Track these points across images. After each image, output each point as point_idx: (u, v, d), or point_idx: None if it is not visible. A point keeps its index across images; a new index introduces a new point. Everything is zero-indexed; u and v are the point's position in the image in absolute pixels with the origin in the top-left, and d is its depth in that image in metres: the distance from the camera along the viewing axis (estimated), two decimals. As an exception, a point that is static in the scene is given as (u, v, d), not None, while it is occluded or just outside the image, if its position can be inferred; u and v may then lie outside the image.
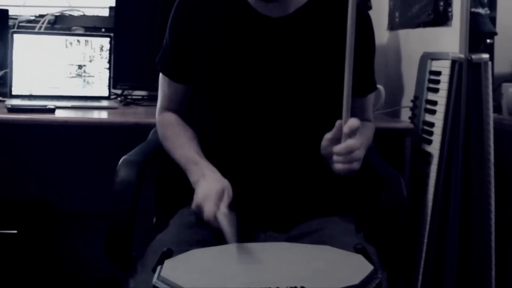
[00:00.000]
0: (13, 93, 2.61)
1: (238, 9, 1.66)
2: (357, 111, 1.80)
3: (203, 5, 1.68)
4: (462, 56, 2.26)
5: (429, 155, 2.33)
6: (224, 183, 1.56)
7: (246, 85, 1.65)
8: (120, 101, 2.76)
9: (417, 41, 2.60)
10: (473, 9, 2.54)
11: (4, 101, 2.51)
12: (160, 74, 1.79)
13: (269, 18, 1.64)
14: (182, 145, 1.70)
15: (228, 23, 1.66)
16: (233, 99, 1.66)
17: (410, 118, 2.52)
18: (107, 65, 2.72)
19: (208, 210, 1.50)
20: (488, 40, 2.72)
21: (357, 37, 1.70)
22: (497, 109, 2.54)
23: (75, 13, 2.95)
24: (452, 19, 2.34)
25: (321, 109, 1.69)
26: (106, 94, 2.72)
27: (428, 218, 2.30)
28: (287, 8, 1.65)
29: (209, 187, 1.54)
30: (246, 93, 1.65)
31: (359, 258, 1.28)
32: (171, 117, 1.78)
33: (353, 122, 1.46)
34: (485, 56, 2.29)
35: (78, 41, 2.69)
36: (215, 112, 1.69)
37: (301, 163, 1.68)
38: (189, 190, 1.70)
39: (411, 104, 2.52)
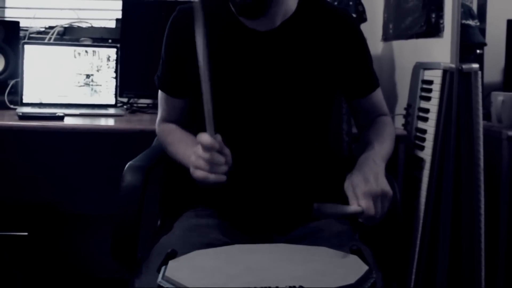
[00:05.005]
0: (24, 101, 2.61)
1: (227, 23, 1.64)
2: (369, 110, 1.79)
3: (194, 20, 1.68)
4: (453, 66, 2.26)
5: (421, 160, 2.33)
6: None
7: (235, 97, 1.64)
8: (126, 109, 2.76)
9: (410, 52, 2.61)
10: (463, 21, 2.55)
11: (15, 109, 2.52)
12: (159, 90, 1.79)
13: (256, 32, 1.63)
14: (186, 147, 1.68)
15: (217, 37, 1.64)
16: (224, 110, 1.64)
17: (403, 125, 2.52)
18: (114, 75, 2.72)
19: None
20: (478, 51, 2.74)
21: (342, 40, 1.70)
22: (487, 116, 2.55)
23: (83, 25, 2.96)
24: (443, 30, 2.35)
25: (311, 117, 1.69)
26: (112, 102, 2.72)
27: (421, 221, 2.30)
28: (273, 21, 1.63)
29: None
30: (236, 104, 1.64)
31: (355, 259, 1.28)
32: (171, 126, 1.77)
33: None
34: (475, 66, 2.29)
35: (86, 51, 2.70)
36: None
37: (298, 169, 1.67)
38: (193, 194, 1.70)
39: (404, 112, 2.52)
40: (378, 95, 1.81)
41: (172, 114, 1.77)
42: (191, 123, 1.78)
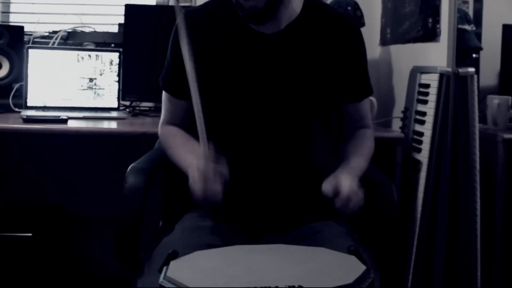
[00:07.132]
0: (28, 104, 2.61)
1: (233, 26, 1.65)
2: (354, 118, 1.79)
3: (201, 22, 1.68)
4: (449, 69, 2.27)
5: (418, 162, 2.33)
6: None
7: (240, 98, 1.64)
8: (129, 112, 2.76)
9: (407, 56, 2.61)
10: (460, 26, 2.56)
11: (19, 112, 2.52)
12: (163, 91, 1.79)
13: (262, 34, 1.64)
14: (185, 152, 1.68)
15: (223, 39, 1.65)
16: (228, 111, 1.65)
17: (400, 128, 2.52)
18: (116, 78, 2.72)
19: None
20: (474, 55, 2.74)
21: (345, 44, 1.70)
22: (482, 119, 2.55)
23: (87, 30, 2.96)
24: (440, 35, 2.35)
25: (314, 119, 1.69)
26: (115, 105, 2.73)
27: (418, 222, 2.30)
28: (279, 24, 1.64)
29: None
30: (241, 105, 1.64)
31: (353, 259, 1.28)
32: (173, 129, 1.76)
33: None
34: (471, 69, 2.30)
35: (89, 55, 2.70)
36: (213, 123, 1.69)
37: (297, 170, 1.68)
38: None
39: (401, 115, 2.52)
40: (367, 105, 1.81)
41: (175, 116, 1.77)
42: (194, 126, 1.78)
